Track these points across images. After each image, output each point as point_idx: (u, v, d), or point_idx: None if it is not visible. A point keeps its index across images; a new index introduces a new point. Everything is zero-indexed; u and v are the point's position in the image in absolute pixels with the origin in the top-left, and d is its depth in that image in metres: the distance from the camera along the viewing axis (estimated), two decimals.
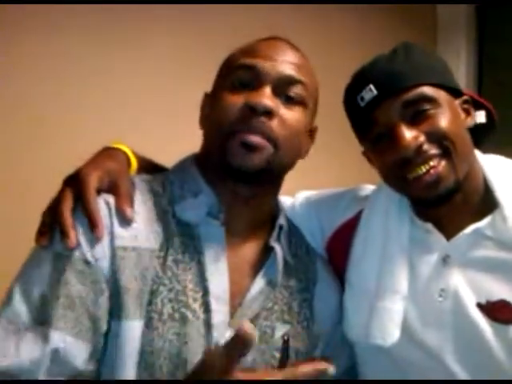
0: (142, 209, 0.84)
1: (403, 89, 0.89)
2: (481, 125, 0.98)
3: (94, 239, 0.78)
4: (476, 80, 2.45)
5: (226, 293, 0.84)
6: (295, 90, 0.86)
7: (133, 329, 0.78)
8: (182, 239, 0.84)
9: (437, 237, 0.94)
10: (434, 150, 0.89)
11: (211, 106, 0.90)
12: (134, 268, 0.79)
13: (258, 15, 1.84)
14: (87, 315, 0.76)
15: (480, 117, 0.98)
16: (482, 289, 0.88)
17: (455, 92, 0.95)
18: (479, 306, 0.88)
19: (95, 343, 0.77)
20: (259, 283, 0.87)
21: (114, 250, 0.79)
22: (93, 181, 0.81)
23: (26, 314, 0.75)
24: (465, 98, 0.96)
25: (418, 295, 0.92)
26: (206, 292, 0.82)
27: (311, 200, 1.11)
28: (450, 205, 0.92)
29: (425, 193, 0.90)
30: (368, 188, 1.08)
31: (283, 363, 0.84)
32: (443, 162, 0.89)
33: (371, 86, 0.90)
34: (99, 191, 0.82)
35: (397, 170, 0.90)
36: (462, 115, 0.95)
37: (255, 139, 0.82)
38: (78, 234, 0.78)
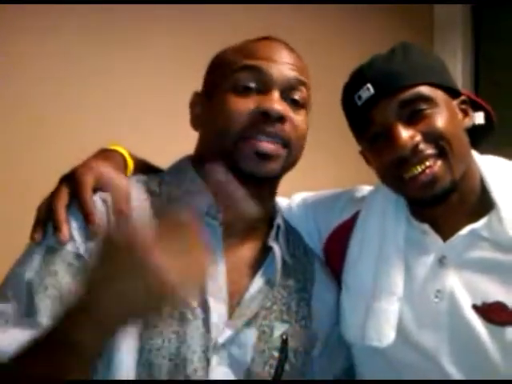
0: (138, 209, 0.82)
1: (400, 88, 0.88)
2: (479, 126, 0.96)
3: (89, 234, 0.77)
4: (473, 80, 2.43)
5: (224, 292, 0.82)
6: (300, 93, 0.87)
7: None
8: None
9: (433, 238, 0.92)
10: (430, 150, 0.87)
11: (211, 109, 0.88)
12: None
13: (256, 15, 1.83)
14: None
15: (478, 118, 0.96)
16: (478, 290, 0.87)
17: (453, 92, 0.93)
18: (475, 307, 0.86)
19: None
20: (258, 283, 0.86)
21: None
22: (89, 179, 0.80)
23: (15, 306, 0.73)
24: (463, 98, 0.95)
25: (414, 296, 0.91)
26: (204, 291, 0.81)
27: (308, 201, 1.09)
28: (446, 205, 0.91)
29: (421, 192, 0.88)
30: (365, 189, 1.07)
31: (282, 363, 0.83)
32: (439, 162, 0.87)
33: (368, 85, 0.89)
34: (96, 190, 0.81)
35: (393, 169, 0.89)
36: (460, 115, 0.93)
37: (270, 147, 0.82)
38: (71, 229, 0.77)
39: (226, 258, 0.84)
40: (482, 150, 0.99)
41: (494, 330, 0.84)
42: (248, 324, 0.83)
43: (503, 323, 0.84)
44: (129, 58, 1.62)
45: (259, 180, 0.84)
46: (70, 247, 0.77)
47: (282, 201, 1.06)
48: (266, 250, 0.88)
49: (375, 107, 0.89)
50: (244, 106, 0.83)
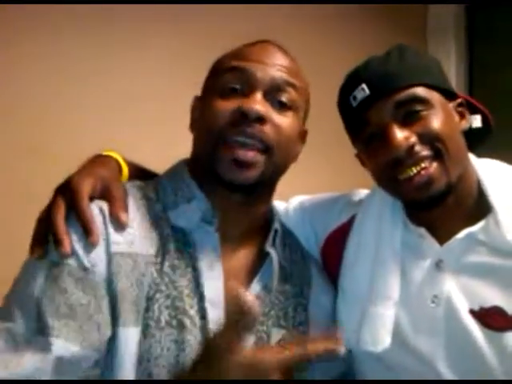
0: (136, 215, 0.80)
1: (396, 89, 0.86)
2: (476, 129, 0.95)
3: (89, 245, 0.75)
4: (467, 82, 2.42)
5: (221, 298, 0.80)
6: (287, 95, 0.83)
7: (129, 336, 0.74)
8: (177, 245, 0.81)
9: (430, 242, 0.90)
10: (425, 152, 0.85)
11: (201, 111, 0.86)
12: (131, 274, 0.76)
13: (254, 18, 1.81)
14: (91, 322, 0.72)
15: (476, 121, 0.95)
16: (475, 295, 0.85)
17: (449, 94, 0.91)
18: (472, 312, 0.84)
19: (98, 349, 0.72)
20: (255, 288, 0.84)
21: (110, 256, 0.75)
22: (85, 187, 0.78)
23: (25, 326, 0.70)
24: (459, 100, 0.93)
25: (410, 301, 0.89)
26: (201, 298, 0.79)
27: (305, 205, 1.07)
28: (442, 208, 0.89)
29: (416, 194, 0.86)
30: (361, 193, 1.05)
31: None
32: (435, 164, 0.85)
33: (364, 86, 0.87)
34: (92, 198, 0.79)
35: (388, 170, 0.87)
36: (456, 118, 0.91)
37: (247, 155, 0.79)
38: (72, 242, 0.74)
39: (223, 263, 0.82)
40: (477, 153, 0.96)
41: (491, 335, 0.82)
42: None
43: (500, 328, 0.82)
44: (128, 59, 1.60)
45: (239, 188, 0.81)
46: (73, 261, 0.74)
47: (279, 204, 1.04)
48: (263, 256, 0.86)
49: (370, 108, 0.87)
50: (226, 107, 0.80)
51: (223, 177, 0.80)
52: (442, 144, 0.85)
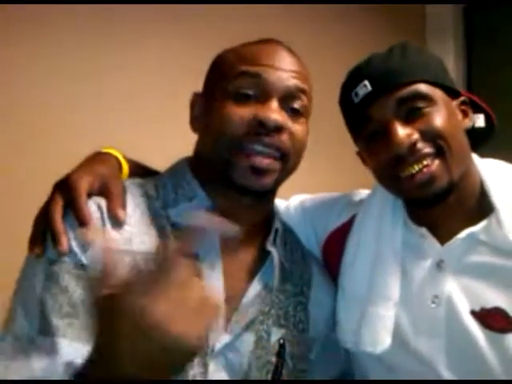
0: (135, 212, 0.79)
1: (398, 85, 0.83)
2: (479, 129, 0.92)
3: (86, 243, 0.73)
4: (465, 82, 2.40)
5: (222, 297, 0.78)
6: (300, 102, 0.81)
7: None
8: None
9: (431, 241, 0.88)
10: (427, 149, 0.83)
11: (208, 112, 0.83)
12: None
13: (254, 18, 1.80)
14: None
15: (479, 120, 0.92)
16: (476, 295, 0.83)
17: (453, 92, 0.89)
18: (473, 313, 0.82)
19: None
20: (255, 287, 0.82)
21: None
22: (83, 184, 0.76)
23: (30, 327, 0.70)
24: (463, 99, 0.90)
25: (411, 301, 0.87)
26: None
27: (305, 205, 1.05)
28: (444, 207, 0.86)
29: (417, 192, 0.84)
30: (362, 193, 1.02)
31: (279, 368, 0.80)
32: (437, 162, 0.83)
33: (366, 82, 0.85)
34: (90, 195, 0.77)
35: (390, 168, 0.84)
36: (459, 116, 0.88)
37: (265, 162, 0.78)
38: (70, 239, 0.72)
39: (224, 262, 0.80)
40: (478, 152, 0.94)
41: (493, 337, 0.80)
42: (245, 329, 0.79)
43: (502, 330, 0.80)
44: (128, 59, 1.60)
45: (254, 193, 0.80)
46: (71, 259, 0.72)
47: (280, 203, 1.02)
48: (263, 255, 0.84)
49: (372, 104, 0.84)
50: (241, 114, 0.78)
51: (238, 183, 0.78)
52: (445, 141, 0.83)
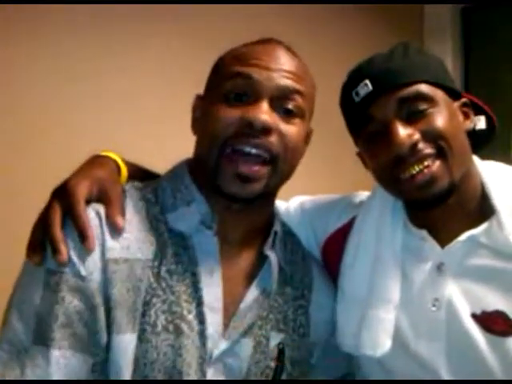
0: (133, 218, 0.77)
1: (399, 85, 0.82)
2: (480, 131, 0.91)
3: (85, 252, 0.71)
4: (463, 83, 2.38)
5: (220, 303, 0.77)
6: (293, 103, 0.78)
7: (125, 342, 0.71)
8: (176, 249, 0.77)
9: (431, 244, 0.86)
10: (428, 150, 0.81)
11: (203, 114, 0.82)
12: (127, 280, 0.73)
13: (254, 18, 1.78)
14: (86, 329, 0.71)
15: (480, 122, 0.90)
16: (477, 299, 0.81)
17: (454, 94, 0.87)
18: (474, 316, 0.80)
19: (96, 356, 0.71)
20: (253, 292, 0.80)
21: (105, 262, 0.72)
22: (82, 191, 0.74)
23: (25, 335, 0.69)
24: (464, 100, 0.88)
25: (411, 304, 0.85)
26: (199, 302, 0.75)
27: (305, 206, 1.03)
28: (444, 209, 0.84)
29: (418, 193, 0.82)
30: (362, 195, 1.00)
31: (278, 372, 0.78)
32: (438, 162, 0.81)
33: (367, 82, 0.83)
34: (89, 201, 0.75)
35: (390, 169, 0.82)
36: (461, 117, 0.87)
37: (251, 170, 0.75)
38: (69, 249, 0.71)
39: (223, 267, 0.78)
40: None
41: (494, 340, 0.79)
42: (244, 335, 0.78)
43: (503, 333, 0.78)
44: (128, 59, 1.58)
45: (242, 200, 0.78)
46: (70, 269, 0.71)
47: (280, 204, 0.99)
48: (262, 259, 0.82)
49: (373, 104, 0.82)
50: (231, 115, 0.76)
51: (226, 191, 0.77)
52: (446, 142, 0.81)
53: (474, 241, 0.83)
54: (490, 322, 0.79)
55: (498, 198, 0.83)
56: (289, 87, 0.78)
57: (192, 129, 0.86)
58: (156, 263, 0.75)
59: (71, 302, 0.70)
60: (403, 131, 0.80)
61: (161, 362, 0.72)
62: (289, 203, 1.04)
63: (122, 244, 0.74)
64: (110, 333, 0.71)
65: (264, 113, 0.75)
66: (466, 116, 0.88)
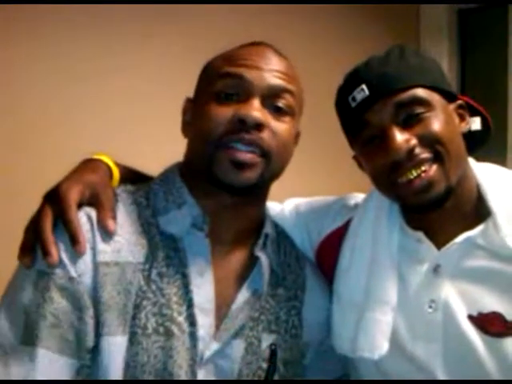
0: (125, 221, 0.76)
1: (396, 90, 0.80)
2: (475, 132, 0.90)
3: (76, 255, 0.71)
4: (459, 83, 2.38)
5: (212, 304, 0.76)
6: (284, 101, 0.79)
7: (115, 345, 0.71)
8: (167, 252, 0.76)
9: (427, 246, 0.84)
10: (425, 154, 0.80)
11: (195, 116, 0.81)
12: (118, 283, 0.72)
13: (253, 18, 1.77)
14: (72, 331, 0.70)
15: (475, 124, 0.90)
16: (474, 300, 0.79)
17: (450, 96, 0.85)
18: (470, 318, 0.79)
19: (81, 359, 0.70)
20: (244, 294, 0.79)
21: (96, 265, 0.72)
22: (73, 195, 0.73)
23: (12, 334, 0.69)
24: (460, 102, 0.87)
25: (408, 306, 0.83)
26: (190, 304, 0.75)
27: (300, 208, 1.01)
28: (441, 212, 0.83)
29: (415, 198, 0.80)
30: (358, 196, 0.98)
31: (270, 374, 0.78)
32: (435, 167, 0.80)
33: (363, 87, 0.82)
34: (80, 205, 0.74)
35: (387, 173, 0.81)
36: (457, 120, 0.85)
37: (246, 157, 0.75)
38: (59, 251, 0.70)
39: (214, 269, 0.77)
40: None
41: (490, 342, 0.77)
42: (235, 336, 0.77)
43: (500, 334, 0.77)
44: (128, 59, 1.56)
45: (238, 190, 0.77)
46: (60, 271, 0.71)
47: (274, 206, 0.98)
48: (253, 260, 0.81)
49: (370, 109, 0.81)
50: (223, 113, 0.76)
51: (222, 179, 0.76)
52: (443, 146, 0.80)
53: (470, 242, 0.82)
54: (486, 323, 0.78)
55: (493, 200, 0.82)
56: (280, 86, 0.78)
57: (182, 132, 0.85)
58: (147, 266, 0.74)
59: (60, 303, 0.70)
60: (400, 137, 0.79)
61: (151, 364, 0.71)
62: (284, 205, 1.02)
63: (114, 247, 0.73)
64: (100, 335, 0.70)
65: (256, 110, 0.75)
66: (462, 118, 0.87)
